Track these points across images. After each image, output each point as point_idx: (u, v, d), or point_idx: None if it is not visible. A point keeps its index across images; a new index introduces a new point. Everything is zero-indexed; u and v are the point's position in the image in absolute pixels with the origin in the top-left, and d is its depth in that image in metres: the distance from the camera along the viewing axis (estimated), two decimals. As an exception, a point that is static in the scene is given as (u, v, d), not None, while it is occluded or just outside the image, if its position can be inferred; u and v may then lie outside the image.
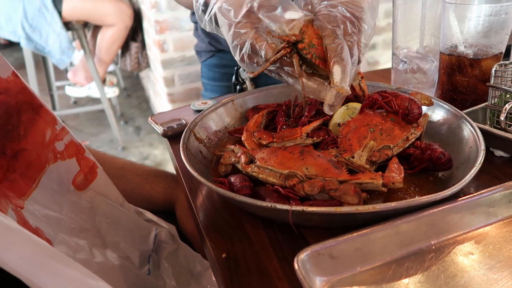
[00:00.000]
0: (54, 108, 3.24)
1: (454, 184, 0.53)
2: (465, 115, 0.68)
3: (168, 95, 2.69)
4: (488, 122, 0.73)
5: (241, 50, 0.62)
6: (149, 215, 0.79)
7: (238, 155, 0.64)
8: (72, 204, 0.64)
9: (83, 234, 0.62)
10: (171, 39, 2.55)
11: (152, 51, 2.80)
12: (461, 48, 0.79)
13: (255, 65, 0.63)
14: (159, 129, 0.84)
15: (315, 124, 0.70)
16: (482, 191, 0.55)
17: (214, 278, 0.68)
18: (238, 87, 1.06)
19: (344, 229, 0.49)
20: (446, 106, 0.72)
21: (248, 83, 1.05)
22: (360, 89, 0.74)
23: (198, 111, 0.86)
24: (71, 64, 3.14)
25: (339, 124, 0.70)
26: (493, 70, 0.71)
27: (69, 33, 2.82)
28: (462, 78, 0.80)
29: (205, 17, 0.67)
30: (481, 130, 0.64)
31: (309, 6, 0.65)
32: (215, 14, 0.64)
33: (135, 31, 2.99)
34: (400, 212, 0.51)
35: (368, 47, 0.64)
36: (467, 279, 0.46)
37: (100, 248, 0.63)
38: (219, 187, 0.56)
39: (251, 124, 0.74)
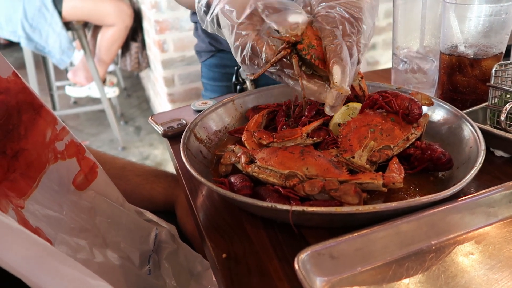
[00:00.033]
0: (54, 108, 3.24)
1: (454, 184, 0.53)
2: (465, 115, 0.68)
3: (168, 95, 2.69)
4: (489, 122, 0.73)
5: (242, 51, 0.62)
6: (149, 215, 0.79)
7: (238, 155, 0.64)
8: (72, 204, 0.64)
9: (83, 234, 0.62)
10: (171, 39, 2.55)
11: (152, 51, 2.80)
12: (462, 48, 0.79)
13: (256, 66, 0.63)
14: (159, 129, 0.84)
15: (315, 124, 0.70)
16: (482, 191, 0.55)
17: (214, 278, 0.68)
18: (238, 87, 1.06)
19: (345, 229, 0.49)
20: (446, 106, 0.72)
21: (248, 83, 1.05)
22: (360, 89, 0.74)
23: (198, 111, 0.86)
24: (71, 64, 3.14)
25: (339, 124, 0.70)
26: (493, 70, 0.71)
27: (69, 33, 2.82)
28: (462, 78, 0.80)
29: (207, 18, 0.67)
30: (482, 130, 0.64)
31: (308, 8, 0.65)
32: (217, 15, 0.64)
33: (135, 31, 2.99)
34: (401, 212, 0.51)
35: (368, 47, 0.64)
36: (468, 279, 0.46)
37: (101, 248, 0.63)
38: (220, 187, 0.56)
39: (251, 124, 0.74)
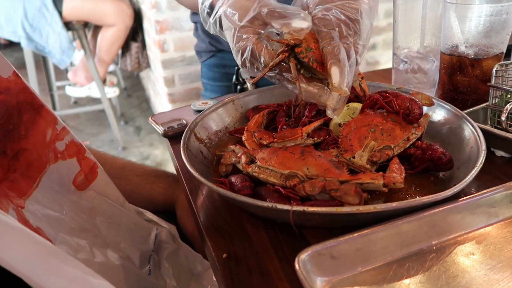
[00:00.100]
0: (54, 108, 3.24)
1: (455, 184, 0.53)
2: (466, 115, 0.68)
3: (168, 95, 2.69)
4: (489, 122, 0.73)
5: (242, 54, 0.62)
6: (149, 215, 0.79)
7: (238, 155, 0.64)
8: (72, 204, 0.64)
9: (83, 234, 0.62)
10: (171, 39, 2.55)
11: (153, 51, 2.80)
12: (462, 48, 0.78)
13: (256, 70, 0.63)
14: (160, 129, 0.84)
15: (315, 124, 0.70)
16: (483, 192, 0.55)
17: (214, 278, 0.68)
18: (238, 87, 1.06)
19: (345, 229, 0.49)
20: (447, 106, 0.72)
21: (248, 83, 1.05)
22: (361, 89, 0.74)
23: (199, 111, 0.86)
24: (72, 64, 3.14)
25: (339, 124, 0.70)
26: (494, 70, 0.71)
27: (70, 33, 2.82)
28: (463, 78, 0.80)
29: (209, 20, 0.67)
30: (482, 130, 0.64)
31: (306, 11, 0.65)
32: (220, 17, 0.64)
33: (136, 31, 2.99)
34: (401, 212, 0.51)
35: (366, 48, 0.64)
36: (468, 280, 0.46)
37: (101, 248, 0.63)
38: (220, 187, 0.56)
39: (252, 124, 0.74)
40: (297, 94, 0.80)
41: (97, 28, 2.97)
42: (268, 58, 0.61)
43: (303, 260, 0.45)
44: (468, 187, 0.60)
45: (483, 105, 0.76)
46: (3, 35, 2.69)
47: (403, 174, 0.57)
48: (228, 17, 0.62)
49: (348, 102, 0.74)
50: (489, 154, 0.63)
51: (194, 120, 0.74)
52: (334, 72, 0.58)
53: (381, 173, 0.56)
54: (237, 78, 1.06)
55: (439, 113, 0.73)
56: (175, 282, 0.72)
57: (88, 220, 0.65)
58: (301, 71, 0.64)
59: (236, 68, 1.06)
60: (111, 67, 3.42)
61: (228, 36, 0.64)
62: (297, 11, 0.60)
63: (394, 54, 0.93)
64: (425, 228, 0.51)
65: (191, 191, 0.67)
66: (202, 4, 0.68)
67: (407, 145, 0.65)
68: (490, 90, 0.72)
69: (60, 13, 2.60)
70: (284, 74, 0.64)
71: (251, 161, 0.63)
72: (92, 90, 3.05)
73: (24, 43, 2.63)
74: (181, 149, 0.64)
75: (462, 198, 0.54)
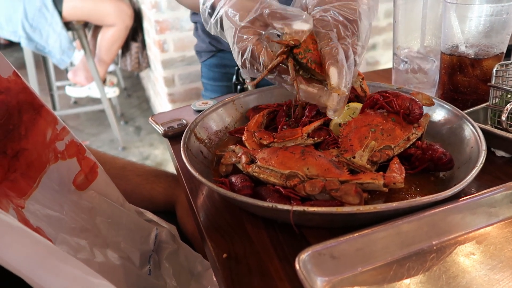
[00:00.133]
0: (54, 108, 3.24)
1: (455, 184, 0.53)
2: (466, 115, 0.68)
3: (168, 95, 2.69)
4: (489, 122, 0.73)
5: (242, 55, 0.62)
6: (149, 215, 0.79)
7: (239, 155, 0.64)
8: (72, 204, 0.64)
9: (83, 234, 0.62)
10: (171, 39, 2.55)
11: (153, 51, 2.80)
12: (462, 48, 0.78)
13: (256, 71, 0.63)
14: (160, 129, 0.84)
15: (316, 124, 0.70)
16: (483, 192, 0.55)
17: (214, 278, 0.68)
18: (238, 87, 1.06)
19: (345, 229, 0.49)
20: (447, 106, 0.72)
21: (249, 86, 1.05)
22: (362, 90, 0.74)
23: (199, 111, 0.86)
24: (72, 64, 3.14)
25: (340, 124, 0.70)
26: (494, 70, 0.71)
27: (70, 33, 2.82)
28: (463, 78, 0.80)
29: (211, 20, 0.67)
30: (482, 130, 0.64)
31: (305, 12, 0.65)
32: (221, 18, 0.64)
33: (136, 31, 2.99)
34: (401, 212, 0.51)
35: (365, 48, 0.64)
36: (469, 280, 0.46)
37: (101, 248, 0.63)
38: (220, 187, 0.56)
39: (252, 124, 0.74)
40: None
41: (97, 28, 2.97)
42: (267, 60, 0.61)
43: (303, 260, 0.45)
44: (469, 187, 0.60)
45: (484, 105, 0.76)
46: (3, 35, 2.69)
47: (404, 174, 0.57)
48: (229, 18, 0.62)
49: (348, 102, 0.74)
50: (490, 154, 0.63)
51: (194, 120, 0.74)
52: (333, 72, 0.58)
53: (381, 173, 0.56)
54: (237, 78, 1.06)
55: (439, 113, 0.73)
56: (175, 282, 0.72)
57: (88, 220, 0.65)
58: (300, 72, 0.64)
59: (236, 68, 1.06)
60: (111, 67, 3.42)
61: (229, 36, 0.64)
62: (299, 13, 0.60)
63: (394, 54, 0.93)
64: (426, 228, 0.51)
65: (191, 191, 0.67)
66: (204, 4, 0.68)
67: (408, 145, 0.65)
68: (491, 90, 0.72)
69: (60, 13, 2.60)
70: (283, 76, 0.64)
71: (251, 161, 0.63)
72: (92, 90, 3.05)
73: (24, 43, 2.63)
74: (181, 149, 0.64)
75: (463, 198, 0.54)
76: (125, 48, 3.06)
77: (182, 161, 0.62)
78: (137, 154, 3.02)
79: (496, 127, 0.70)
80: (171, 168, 1.22)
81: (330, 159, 0.61)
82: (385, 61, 3.08)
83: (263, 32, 0.63)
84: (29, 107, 0.58)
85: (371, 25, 0.65)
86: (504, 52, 0.79)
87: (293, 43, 0.60)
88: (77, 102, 3.66)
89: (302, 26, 0.60)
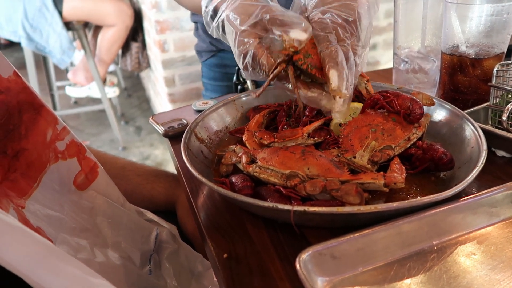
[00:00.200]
0: (54, 108, 3.24)
1: (456, 184, 0.53)
2: (466, 115, 0.68)
3: (168, 95, 2.69)
4: (490, 122, 0.73)
5: (244, 58, 0.62)
6: (150, 215, 0.79)
7: (239, 155, 0.64)
8: (73, 204, 0.64)
9: (84, 234, 0.62)
10: (171, 39, 2.55)
11: (153, 51, 2.80)
12: (463, 48, 0.78)
13: (257, 74, 0.63)
14: (160, 129, 0.84)
15: (316, 124, 0.70)
16: (484, 192, 0.55)
17: (215, 278, 0.68)
18: (239, 87, 1.06)
19: (346, 229, 0.49)
20: (447, 106, 0.72)
21: (249, 83, 1.05)
22: (367, 92, 0.74)
23: (199, 111, 0.86)
24: (72, 64, 3.14)
25: (340, 124, 0.70)
26: (494, 70, 0.71)
27: (70, 33, 2.82)
28: (464, 78, 0.80)
29: (213, 24, 0.67)
30: (483, 130, 0.64)
31: (305, 14, 0.65)
32: (223, 21, 0.64)
33: (136, 31, 2.99)
34: (402, 212, 0.51)
35: (366, 49, 0.64)
36: (469, 280, 0.46)
37: (101, 248, 0.63)
38: (221, 187, 0.56)
39: (252, 124, 0.74)
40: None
41: (97, 28, 2.97)
42: (268, 67, 0.61)
43: (304, 260, 0.45)
44: (469, 187, 0.60)
45: (484, 105, 0.76)
46: (3, 35, 2.69)
47: (404, 174, 0.57)
48: (231, 21, 0.62)
49: (348, 102, 0.74)
50: (490, 154, 0.63)
51: (194, 120, 0.74)
52: (333, 75, 0.58)
53: (382, 173, 0.56)
54: (237, 78, 1.06)
55: (440, 113, 0.73)
56: (175, 282, 0.72)
57: (88, 220, 0.65)
58: (301, 77, 0.64)
59: (236, 68, 1.06)
60: (111, 67, 3.42)
61: (230, 39, 0.64)
62: (299, 20, 0.60)
63: (394, 54, 0.93)
64: (426, 228, 0.51)
65: (192, 191, 0.66)
66: (206, 7, 0.68)
67: (408, 145, 0.65)
68: (491, 90, 0.72)
69: (60, 13, 2.60)
70: (284, 82, 0.64)
71: (252, 161, 0.63)
72: (92, 90, 3.05)
73: (24, 43, 2.63)
74: (182, 149, 0.64)
75: (463, 198, 0.54)
76: (126, 48, 3.06)
77: (182, 161, 0.62)
78: (138, 154, 3.02)
79: (496, 127, 0.70)
80: (171, 168, 1.22)
81: (330, 159, 0.61)
82: (386, 61, 3.08)
83: (263, 37, 0.63)
84: (30, 107, 0.58)
85: (371, 23, 0.64)
86: (505, 52, 0.78)
87: (292, 50, 0.60)
88: (77, 102, 3.66)
89: (300, 35, 0.59)
